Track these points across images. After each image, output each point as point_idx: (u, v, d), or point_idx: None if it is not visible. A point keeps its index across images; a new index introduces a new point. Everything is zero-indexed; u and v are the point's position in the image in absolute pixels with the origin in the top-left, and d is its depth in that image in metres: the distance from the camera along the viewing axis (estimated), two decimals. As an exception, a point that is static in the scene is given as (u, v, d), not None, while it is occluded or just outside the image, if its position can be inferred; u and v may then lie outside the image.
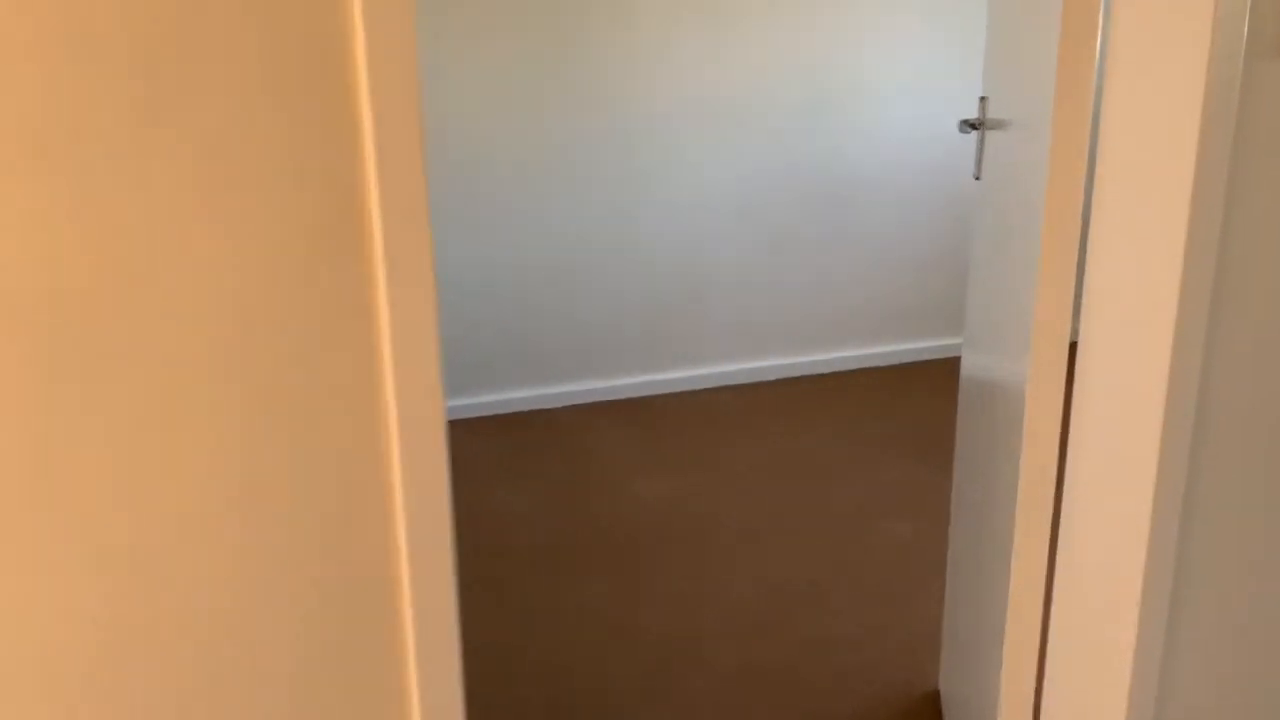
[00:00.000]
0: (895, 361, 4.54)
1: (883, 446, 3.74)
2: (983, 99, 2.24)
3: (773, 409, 4.09)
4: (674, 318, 4.24)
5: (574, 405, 4.17)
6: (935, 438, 3.75)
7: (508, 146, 3.88)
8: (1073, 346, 1.72)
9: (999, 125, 2.20)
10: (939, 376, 4.31)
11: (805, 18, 4.06)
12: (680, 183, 4.09)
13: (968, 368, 2.43)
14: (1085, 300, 1.66)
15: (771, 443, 3.82)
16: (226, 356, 1.28)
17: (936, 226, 4.46)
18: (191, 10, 1.17)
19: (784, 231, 4.28)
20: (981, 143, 2.27)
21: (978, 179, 2.30)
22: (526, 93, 3.84)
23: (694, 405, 4.15)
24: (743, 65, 4.04)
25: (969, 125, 2.26)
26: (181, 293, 1.24)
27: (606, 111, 3.94)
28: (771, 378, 4.39)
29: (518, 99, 3.84)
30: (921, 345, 4.57)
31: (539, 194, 3.97)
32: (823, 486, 3.48)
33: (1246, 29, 1.40)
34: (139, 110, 1.17)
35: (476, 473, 3.65)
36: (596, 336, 4.17)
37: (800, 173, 4.23)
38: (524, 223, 3.98)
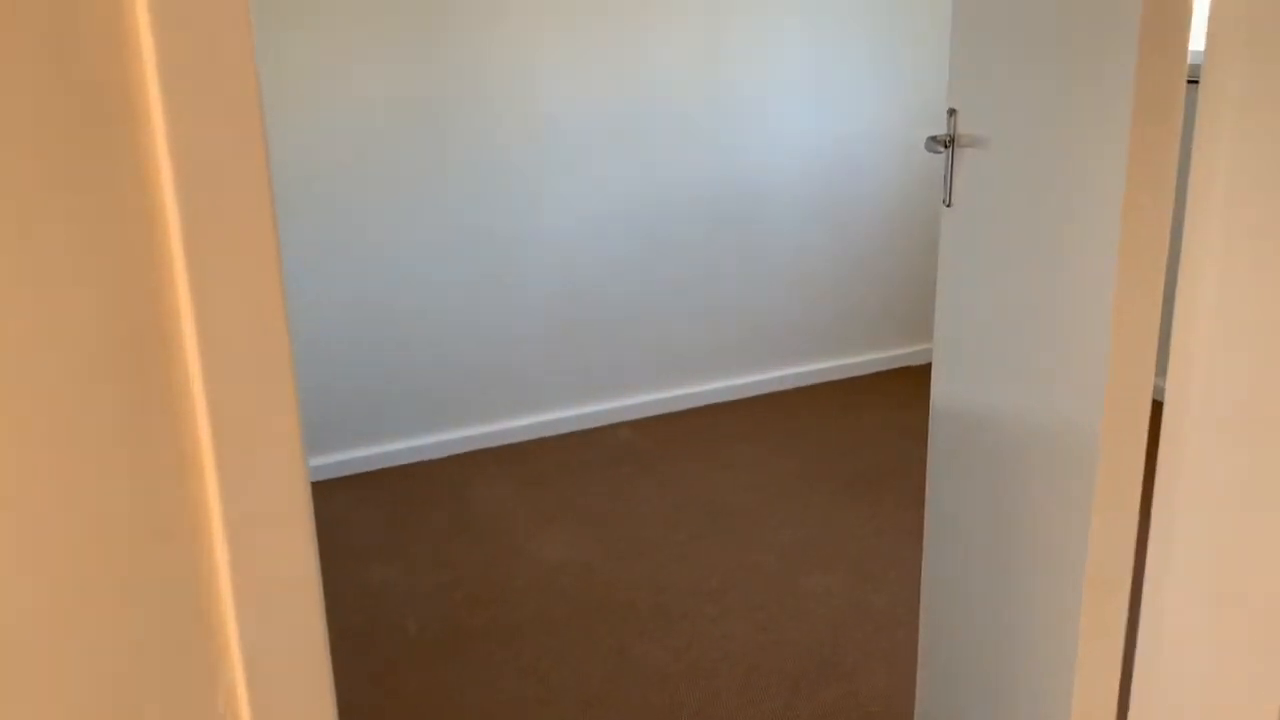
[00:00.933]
0: (812, 382, 4.25)
1: (806, 482, 3.42)
2: (952, 112, 1.93)
3: (682, 445, 3.73)
4: (567, 350, 3.84)
5: (457, 454, 3.72)
6: (864, 468, 3.46)
7: (364, 170, 3.41)
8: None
9: (975, 143, 1.89)
10: (858, 395, 4.04)
11: (711, 17, 3.72)
12: (569, 203, 3.70)
13: (948, 404, 2.10)
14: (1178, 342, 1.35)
15: (684, 486, 3.45)
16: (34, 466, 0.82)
17: (851, 238, 4.18)
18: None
19: (687, 251, 3.93)
20: (951, 163, 1.95)
21: (948, 205, 1.99)
22: (385, 109, 3.38)
23: (594, 446, 3.76)
24: (639, 68, 3.67)
25: (937, 143, 1.94)
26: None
27: (481, 126, 3.51)
28: (679, 408, 4.03)
29: (376, 117, 3.37)
30: (839, 363, 4.29)
31: (401, 222, 3.50)
32: (744, 536, 3.13)
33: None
34: None
35: (348, 544, 3.16)
36: (480, 377, 3.73)
37: (704, 188, 3.89)
38: (384, 254, 3.51)
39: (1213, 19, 1.27)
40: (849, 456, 3.61)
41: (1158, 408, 1.43)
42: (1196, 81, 1.32)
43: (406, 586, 2.93)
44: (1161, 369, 1.43)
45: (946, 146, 1.94)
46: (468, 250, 3.59)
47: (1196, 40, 1.63)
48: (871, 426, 3.84)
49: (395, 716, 2.42)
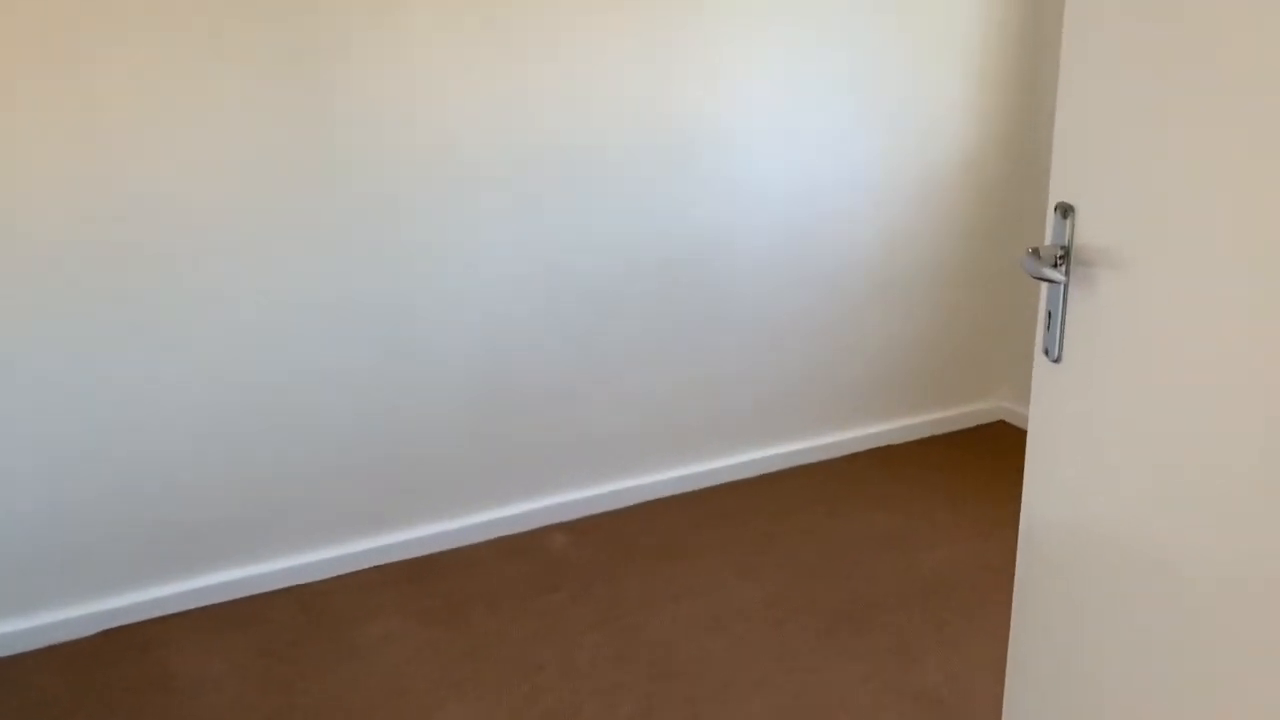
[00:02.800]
0: (780, 467, 3.56)
1: (780, 618, 2.72)
2: (1066, 211, 1.25)
3: (627, 559, 3.02)
4: (480, 439, 3.10)
5: (336, 577, 2.96)
6: (850, 598, 2.77)
7: (190, 213, 2.64)
8: None
9: (1108, 260, 1.21)
10: (837, 485, 3.36)
11: (666, 40, 3.01)
12: (483, 260, 2.96)
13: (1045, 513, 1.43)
14: None
15: (628, 623, 2.73)
16: None
17: (832, 298, 3.50)
18: None
19: (635, 316, 3.21)
20: (1066, 294, 1.27)
21: (1055, 359, 1.30)
22: (222, 136, 2.61)
23: (518, 560, 3.02)
24: (577, 95, 2.95)
25: (1042, 261, 1.25)
26: None
27: (357, 164, 2.76)
28: (625, 504, 3.31)
29: (202, 146, 2.61)
30: (812, 444, 3.61)
31: (255, 287, 2.74)
32: (703, 709, 2.42)
33: None
34: None
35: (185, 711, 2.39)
36: (368, 476, 2.97)
37: (655, 241, 3.18)
38: (240, 322, 2.74)
39: None
40: (830, 579, 2.92)
41: None
42: None
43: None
44: None
45: (1058, 264, 1.25)
46: (345, 319, 2.84)
47: None
48: (855, 534, 3.16)
49: None
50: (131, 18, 2.43)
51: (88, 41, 2.40)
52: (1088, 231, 1.21)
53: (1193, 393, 1.11)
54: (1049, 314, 1.29)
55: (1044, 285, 1.28)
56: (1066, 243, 1.24)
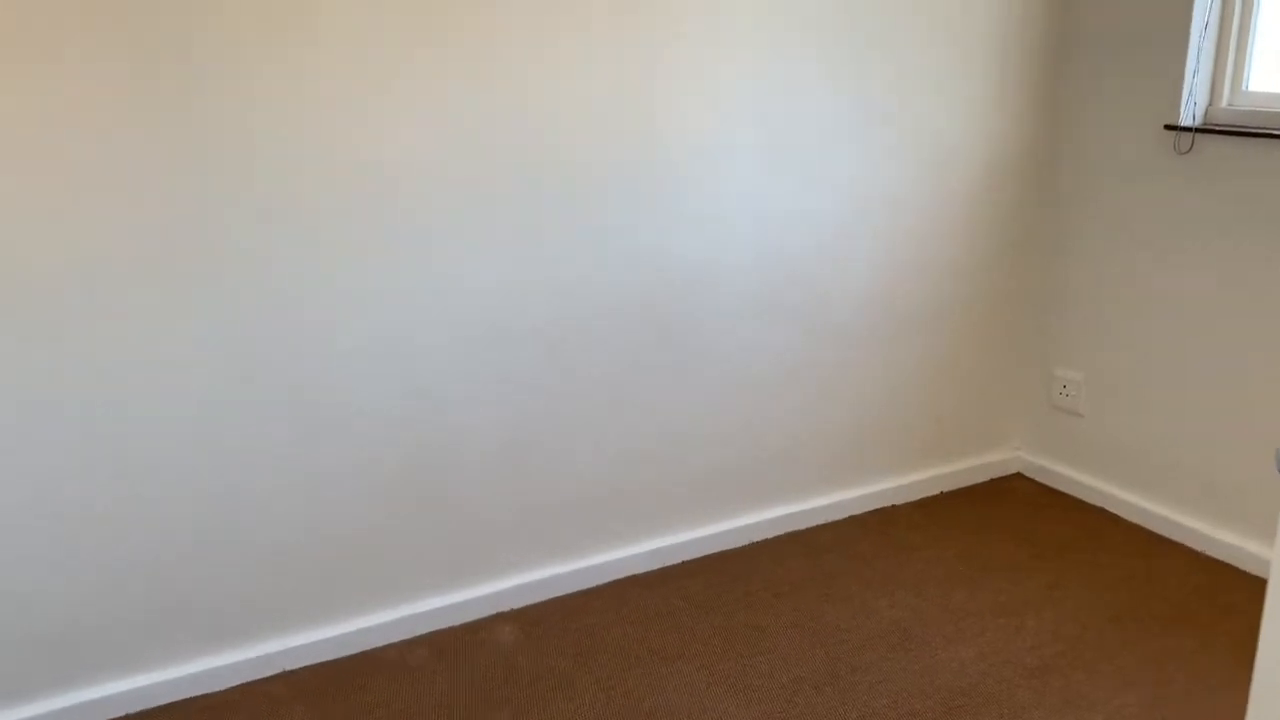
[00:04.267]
0: (769, 535, 3.06)
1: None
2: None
3: (589, 659, 2.51)
4: (413, 516, 2.59)
5: (242, 685, 2.44)
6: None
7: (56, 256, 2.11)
8: None
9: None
10: (827, 554, 2.87)
11: (627, 45, 2.51)
12: (412, 303, 2.45)
13: None
14: None
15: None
16: None
17: (823, 343, 3.01)
18: None
19: (594, 368, 2.71)
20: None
21: None
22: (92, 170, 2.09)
23: (460, 661, 2.51)
24: (522, 112, 2.44)
25: None
26: None
27: (257, 187, 2.24)
28: (584, 586, 2.80)
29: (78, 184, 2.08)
30: (802, 508, 3.11)
31: (133, 332, 2.21)
32: None
33: None
34: None
35: None
36: (271, 566, 2.45)
37: (618, 282, 2.67)
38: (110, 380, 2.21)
39: None
40: (833, 693, 2.42)
41: None
42: None
43: None
44: None
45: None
46: (236, 373, 2.31)
47: None
48: (858, 626, 2.67)
49: None
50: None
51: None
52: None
53: None
54: None
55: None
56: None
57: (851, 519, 3.21)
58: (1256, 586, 2.80)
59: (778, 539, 3.08)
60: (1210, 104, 2.91)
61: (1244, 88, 2.88)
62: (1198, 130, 2.87)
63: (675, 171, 2.67)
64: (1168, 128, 2.92)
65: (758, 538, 3.08)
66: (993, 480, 3.48)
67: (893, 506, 3.29)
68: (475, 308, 2.50)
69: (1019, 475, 3.51)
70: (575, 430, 2.72)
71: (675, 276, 2.74)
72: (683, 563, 2.96)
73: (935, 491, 3.38)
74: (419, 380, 2.48)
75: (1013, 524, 3.17)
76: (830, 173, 2.89)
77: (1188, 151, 2.89)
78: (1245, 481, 2.88)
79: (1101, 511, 3.24)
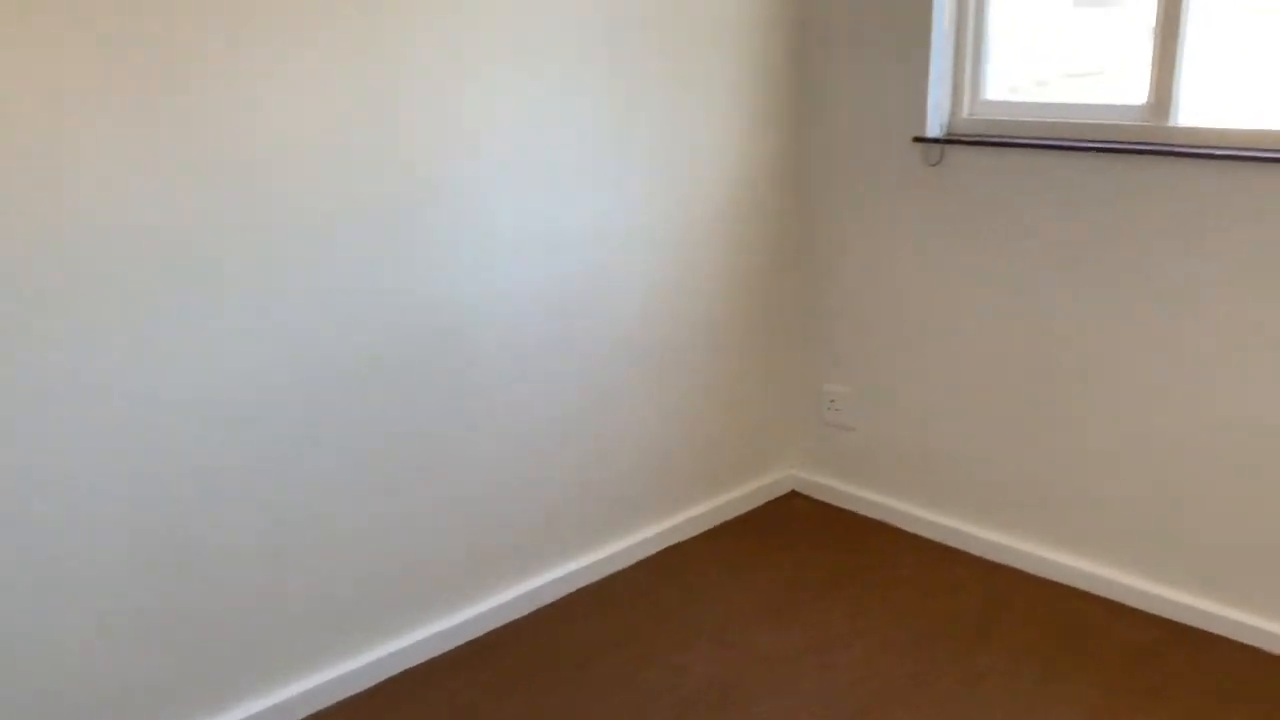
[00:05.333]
0: (542, 602, 2.80)
1: None
2: None
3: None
4: (149, 623, 2.13)
5: None
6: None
7: None
8: None
9: None
10: (618, 608, 2.65)
11: (370, 51, 2.17)
12: (107, 369, 2.00)
13: None
14: None
15: None
16: None
17: (582, 383, 2.78)
18: None
19: (347, 429, 2.34)
20: None
21: None
22: None
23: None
24: (242, 131, 2.04)
25: None
26: None
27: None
28: (334, 698, 2.42)
29: None
30: (586, 562, 2.88)
31: None
32: None
33: None
34: None
35: None
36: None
37: (373, 326, 2.32)
38: None
39: None
40: (661, 767, 2.21)
41: None
42: None
43: None
44: None
45: None
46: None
47: None
48: (673, 690, 2.47)
49: None
50: None
51: None
52: None
53: None
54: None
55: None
56: None
57: (642, 563, 3.02)
58: (1048, 592, 2.86)
59: (570, 598, 2.83)
60: (953, 115, 2.95)
61: (982, 97, 2.93)
62: (944, 141, 2.89)
63: (425, 205, 2.35)
64: (916, 140, 2.93)
65: (548, 599, 2.81)
66: (771, 503, 3.40)
67: (679, 545, 3.12)
68: (203, 375, 2.08)
69: (795, 494, 3.45)
70: (329, 511, 2.34)
71: (431, 325, 2.43)
72: (477, 639, 2.65)
73: (718, 522, 3.25)
74: (144, 467, 2.03)
75: (799, 548, 3.09)
76: (589, 202, 2.68)
77: (938, 163, 2.92)
78: (1022, 484, 2.94)
79: (883, 525, 3.23)
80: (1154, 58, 2.57)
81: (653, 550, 3.07)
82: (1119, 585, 2.77)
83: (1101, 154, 2.62)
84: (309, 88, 2.11)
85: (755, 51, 2.99)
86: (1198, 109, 2.56)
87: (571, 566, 2.86)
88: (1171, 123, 2.58)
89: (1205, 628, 2.63)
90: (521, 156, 2.50)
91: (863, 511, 3.30)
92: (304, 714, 2.36)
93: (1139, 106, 2.63)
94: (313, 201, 2.16)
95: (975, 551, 3.04)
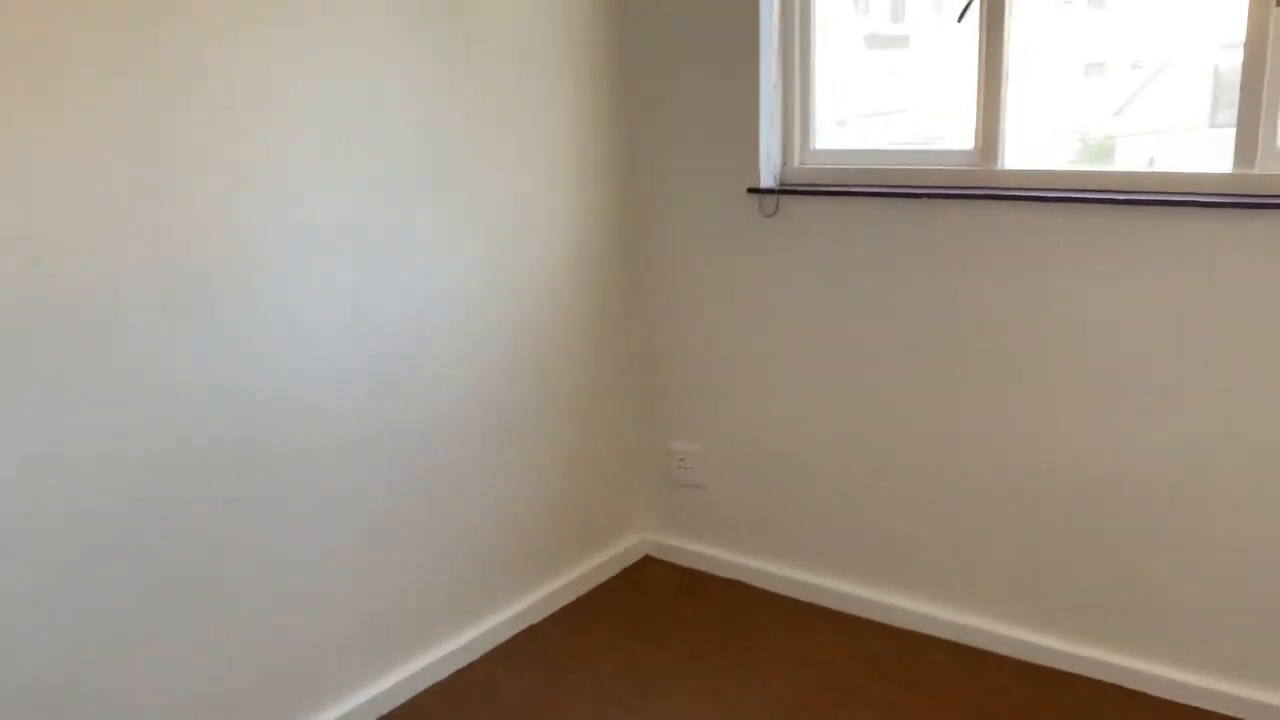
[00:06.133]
0: (387, 708, 2.54)
1: None
2: None
3: None
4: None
5: None
6: None
7: None
8: None
9: None
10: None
11: (141, 102, 1.92)
12: None
13: None
14: None
15: None
16: None
17: (411, 464, 2.57)
18: None
19: (114, 578, 2.06)
20: None
21: None
22: None
23: None
24: (-1, 231, 1.76)
25: None
26: None
27: None
28: None
29: None
30: (422, 664, 2.64)
31: None
32: None
33: None
34: None
35: None
36: None
37: (156, 433, 2.05)
38: None
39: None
40: None
41: None
42: None
43: None
44: None
45: None
46: None
47: None
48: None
49: None
50: None
51: None
52: None
53: None
54: None
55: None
56: None
57: (494, 652, 2.80)
58: (916, 645, 2.80)
59: (414, 701, 2.59)
60: (785, 164, 2.90)
61: (812, 146, 2.90)
62: (778, 191, 2.84)
63: (222, 288, 2.11)
64: (751, 190, 2.87)
65: (402, 699, 2.56)
66: (626, 571, 3.25)
67: (533, 627, 2.93)
68: (-31, 515, 1.77)
69: (650, 559, 3.31)
70: (120, 651, 2.05)
71: (232, 420, 2.17)
72: (306, 766, 2.38)
73: (572, 597, 3.07)
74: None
75: (656, 622, 2.94)
76: (411, 272, 2.48)
77: (774, 213, 2.86)
78: (880, 535, 2.89)
79: (743, 586, 3.12)
80: (978, 103, 2.59)
81: (508, 634, 2.86)
82: (986, 633, 2.74)
83: (934, 200, 2.61)
84: (86, 156, 1.84)
85: (583, 106, 2.87)
86: (1021, 152, 2.60)
87: (415, 666, 2.62)
88: (999, 166, 2.60)
89: (1074, 670, 2.62)
90: (331, 231, 2.28)
91: (721, 573, 3.19)
92: None
93: (967, 151, 2.64)
94: (92, 284, 1.88)
95: (840, 608, 2.96)
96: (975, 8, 2.53)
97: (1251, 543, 2.35)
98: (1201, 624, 2.44)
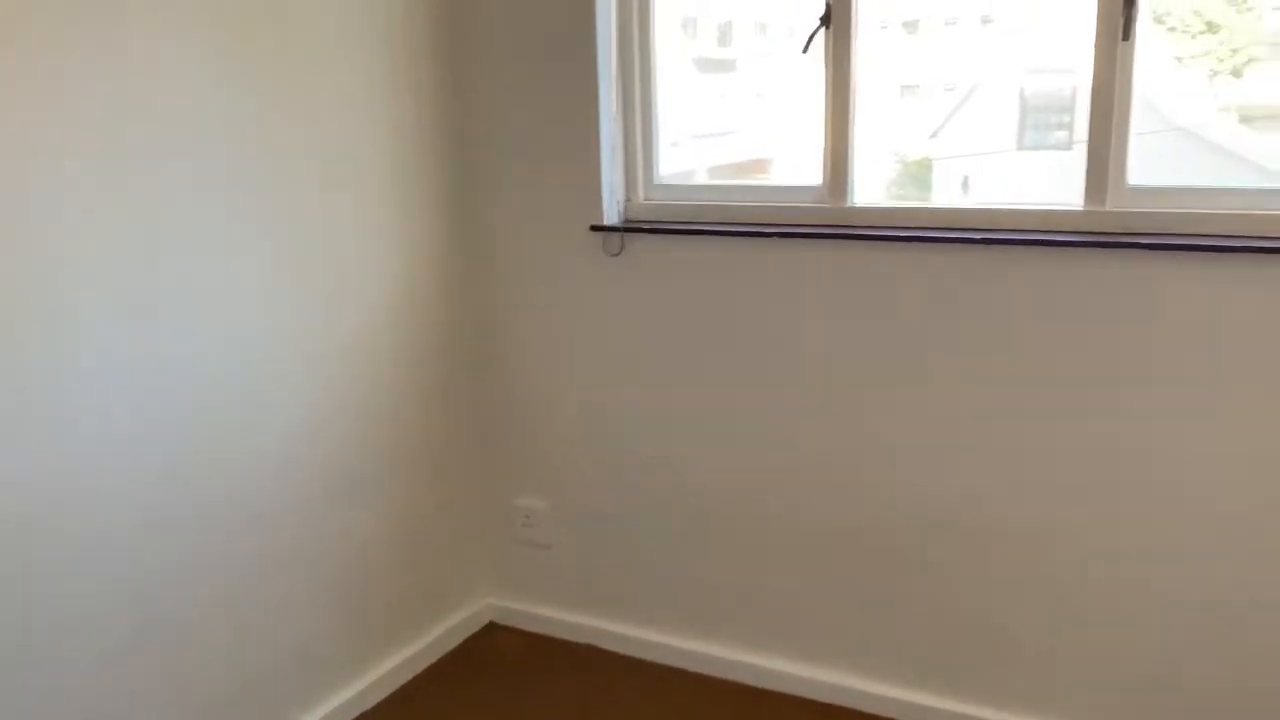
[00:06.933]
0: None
1: None
2: None
3: None
4: None
5: None
6: None
7: None
8: None
9: None
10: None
11: None
12: None
13: None
14: None
15: None
16: None
17: (221, 546, 2.26)
18: None
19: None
20: None
21: None
22: None
23: None
24: None
25: None
26: None
27: None
28: None
29: None
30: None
31: None
32: None
33: None
34: None
35: None
36: None
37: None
38: None
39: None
40: None
41: None
42: None
43: None
44: None
45: None
46: None
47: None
48: None
49: None
50: None
51: None
52: None
53: None
54: None
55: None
56: None
57: (321, 750, 2.50)
58: (789, 709, 2.65)
59: (227, 816, 2.27)
60: (629, 200, 2.73)
61: (655, 180, 2.74)
62: (623, 229, 2.66)
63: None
64: (594, 228, 2.68)
65: (199, 825, 2.24)
66: (468, 640, 2.98)
67: (364, 715, 2.63)
68: None
69: (495, 626, 3.06)
70: None
71: (6, 514, 1.83)
72: None
73: (409, 676, 2.79)
74: None
75: (504, 693, 2.70)
76: (209, 330, 2.18)
77: (619, 253, 2.68)
78: (732, 591, 2.72)
79: (595, 650, 2.91)
80: (825, 138, 2.48)
81: (335, 727, 2.56)
82: (840, 689, 2.61)
83: (785, 239, 2.48)
84: None
85: (409, 143, 2.62)
86: (869, 189, 2.51)
87: (229, 774, 2.30)
88: (849, 203, 2.49)
89: (934, 723, 2.52)
90: (111, 283, 1.97)
91: (569, 637, 2.96)
92: None
93: (815, 188, 2.53)
94: None
95: (701, 669, 2.78)
96: (820, 39, 2.43)
97: (1102, 589, 2.29)
98: (1051, 669, 2.37)
